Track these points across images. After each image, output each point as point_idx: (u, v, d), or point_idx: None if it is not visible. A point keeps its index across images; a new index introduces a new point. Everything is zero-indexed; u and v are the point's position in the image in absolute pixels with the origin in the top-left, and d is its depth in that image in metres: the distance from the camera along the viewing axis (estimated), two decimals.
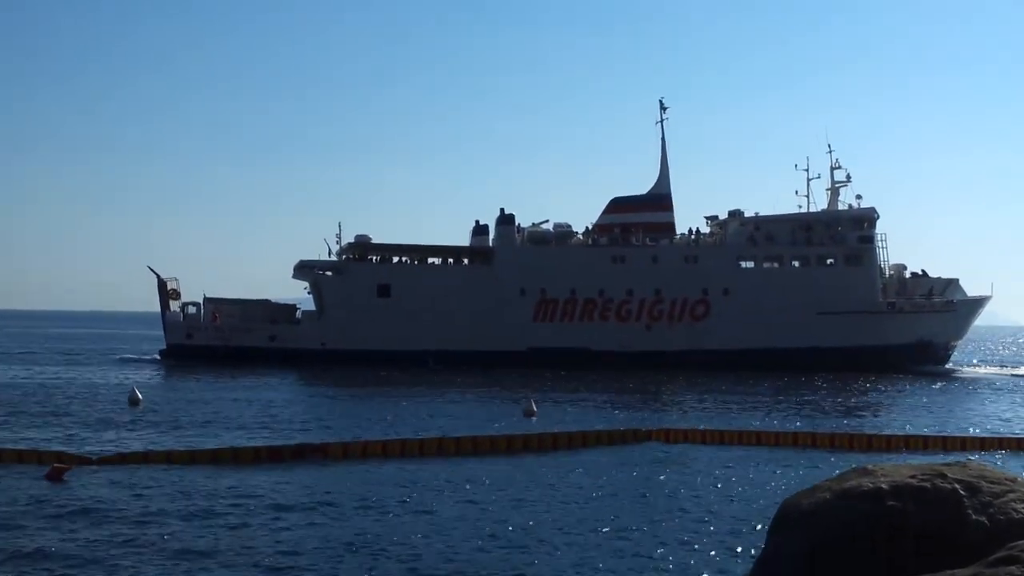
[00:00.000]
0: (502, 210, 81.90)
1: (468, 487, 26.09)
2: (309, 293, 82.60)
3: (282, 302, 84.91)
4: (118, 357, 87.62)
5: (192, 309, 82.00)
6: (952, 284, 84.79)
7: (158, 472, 27.57)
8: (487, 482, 26.77)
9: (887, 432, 37.37)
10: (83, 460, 29.04)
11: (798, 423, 41.03)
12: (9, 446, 31.47)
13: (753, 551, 19.15)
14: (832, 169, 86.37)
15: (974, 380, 74.64)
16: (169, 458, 29.59)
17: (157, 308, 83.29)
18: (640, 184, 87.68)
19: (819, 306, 79.14)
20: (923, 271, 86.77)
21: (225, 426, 39.15)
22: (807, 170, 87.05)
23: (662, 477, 27.79)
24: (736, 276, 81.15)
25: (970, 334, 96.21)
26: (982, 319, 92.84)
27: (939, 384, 68.19)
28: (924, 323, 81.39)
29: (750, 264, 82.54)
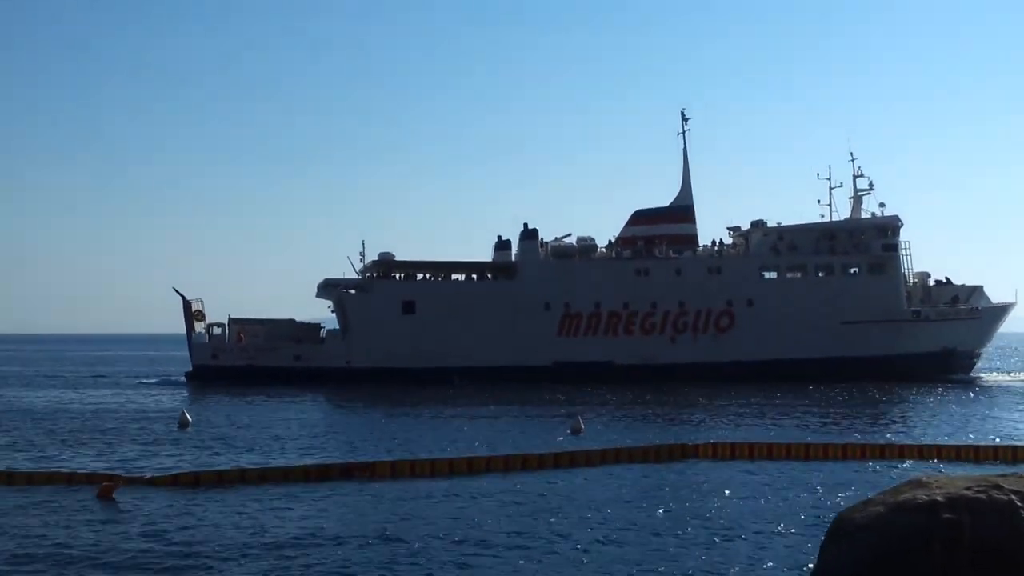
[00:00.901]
0: (525, 225, 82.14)
1: (518, 504, 26.22)
2: (333, 312, 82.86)
3: (306, 322, 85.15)
4: (141, 381, 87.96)
5: (217, 330, 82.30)
6: (976, 291, 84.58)
7: (210, 493, 27.87)
8: (539, 498, 26.89)
9: (937, 442, 37.15)
10: (135, 480, 29.30)
11: (838, 435, 40.93)
12: (64, 469, 31.84)
13: (804, 561, 19.18)
14: (855, 177, 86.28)
15: (1005, 388, 74.18)
16: (221, 478, 29.85)
17: (181, 329, 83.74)
18: (662, 196, 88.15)
19: (843, 315, 79.03)
20: (947, 279, 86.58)
21: (269, 446, 39.45)
22: (829, 179, 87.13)
23: (713, 492, 27.81)
24: (760, 287, 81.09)
25: (1004, 341, 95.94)
26: (1015, 325, 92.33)
27: (970, 393, 67.84)
28: (949, 331, 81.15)
29: (773, 274, 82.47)
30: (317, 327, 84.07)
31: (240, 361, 78.81)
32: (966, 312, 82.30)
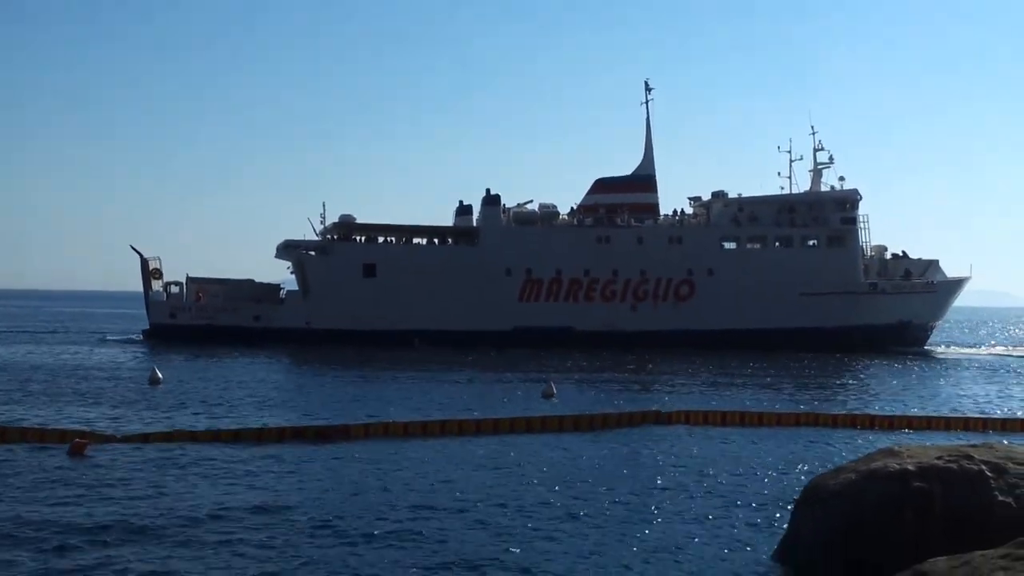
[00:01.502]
0: (488, 190, 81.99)
1: (491, 467, 26.39)
2: (292, 273, 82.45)
3: (265, 282, 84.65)
4: (101, 337, 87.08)
5: (175, 289, 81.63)
6: (932, 265, 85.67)
7: (181, 450, 27.75)
8: (509, 462, 27.03)
9: (907, 413, 37.64)
10: (106, 438, 29.09)
11: (807, 405, 41.43)
12: (35, 425, 31.57)
13: (776, 528, 19.49)
14: (815, 151, 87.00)
15: (959, 361, 75.34)
16: (193, 437, 29.70)
17: (138, 287, 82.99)
18: (624, 165, 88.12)
19: (802, 287, 79.79)
20: (903, 252, 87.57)
21: (239, 404, 39.39)
22: (790, 152, 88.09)
23: (685, 457, 28.02)
24: (720, 257, 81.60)
25: (960, 315, 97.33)
26: (997, 300, 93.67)
27: (932, 365, 68.79)
28: (905, 304, 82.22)
29: (733, 245, 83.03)
30: (276, 288, 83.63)
31: (199, 320, 78.27)
32: (922, 286, 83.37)
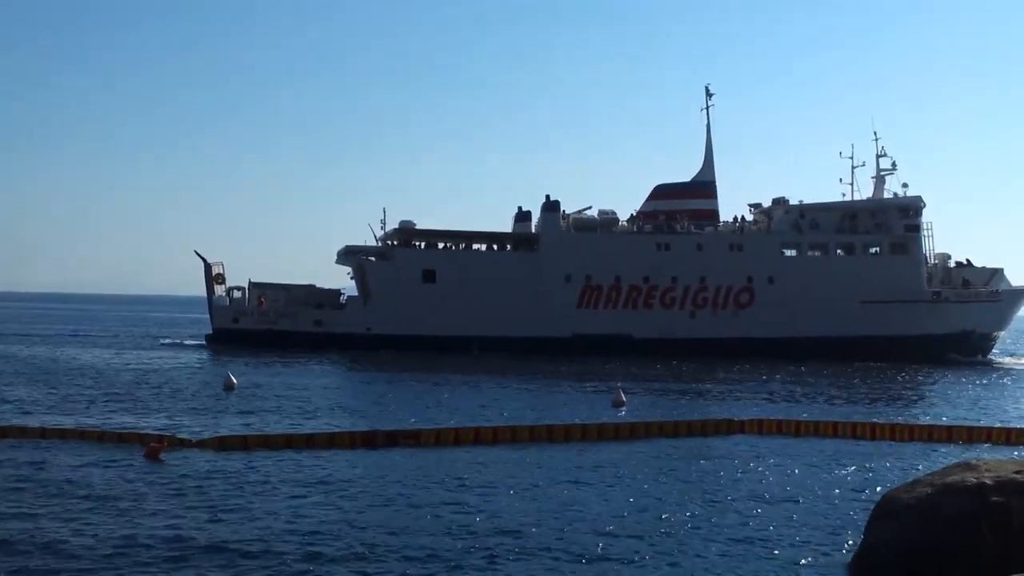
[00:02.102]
0: (547, 196, 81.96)
1: (568, 474, 26.57)
2: (352, 278, 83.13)
3: (326, 288, 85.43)
4: (162, 342, 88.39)
5: (237, 294, 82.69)
6: (997, 274, 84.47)
7: (255, 455, 28.18)
8: (583, 469, 27.20)
9: (986, 425, 37.19)
10: (182, 442, 29.61)
11: (882, 415, 41.08)
12: (113, 428, 32.26)
13: (851, 542, 19.39)
14: (878, 157, 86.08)
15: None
16: (267, 442, 30.10)
17: (202, 292, 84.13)
18: (684, 171, 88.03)
19: (863, 295, 79.02)
20: (968, 260, 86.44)
21: (311, 410, 39.88)
22: (852, 158, 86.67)
23: (759, 468, 28.02)
24: (781, 264, 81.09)
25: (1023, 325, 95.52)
26: None
27: (1004, 377, 67.62)
28: (969, 313, 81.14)
29: (794, 252, 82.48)
30: (337, 293, 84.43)
31: (261, 325, 79.19)
32: (986, 295, 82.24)
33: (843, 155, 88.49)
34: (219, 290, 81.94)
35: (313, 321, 79.72)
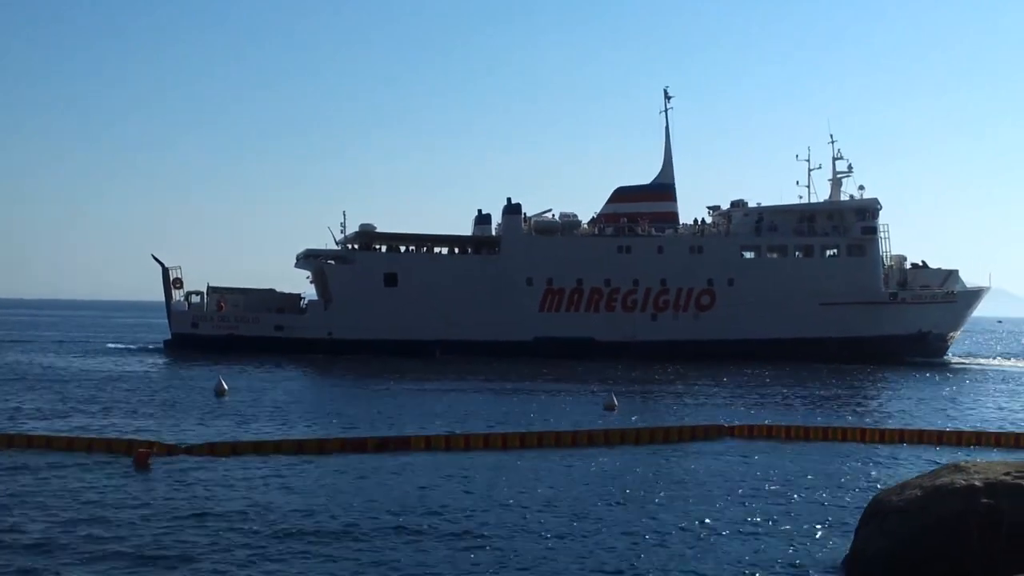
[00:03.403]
0: (509, 199, 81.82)
1: (558, 480, 26.55)
2: (311, 282, 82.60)
3: (286, 292, 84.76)
4: (116, 347, 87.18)
5: (196, 298, 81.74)
6: (952, 275, 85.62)
7: (245, 462, 27.94)
8: (574, 474, 27.22)
9: (976, 428, 37.39)
10: (170, 449, 29.25)
11: (869, 419, 41.37)
12: (104, 436, 31.91)
13: (839, 544, 19.51)
14: (834, 160, 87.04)
15: (981, 372, 75.06)
16: (256, 448, 29.85)
17: (159, 296, 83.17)
18: (644, 174, 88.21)
19: (822, 296, 79.81)
20: (923, 262, 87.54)
21: (301, 416, 39.56)
22: (808, 160, 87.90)
23: (749, 471, 28.10)
24: (740, 266, 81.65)
25: (977, 325, 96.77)
26: (987, 310, 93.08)
27: (961, 376, 68.31)
28: (925, 314, 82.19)
29: (753, 255, 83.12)
30: (298, 297, 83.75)
31: (220, 331, 78.32)
32: (942, 296, 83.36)
33: (800, 158, 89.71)
34: (177, 295, 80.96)
35: (274, 326, 79.03)
